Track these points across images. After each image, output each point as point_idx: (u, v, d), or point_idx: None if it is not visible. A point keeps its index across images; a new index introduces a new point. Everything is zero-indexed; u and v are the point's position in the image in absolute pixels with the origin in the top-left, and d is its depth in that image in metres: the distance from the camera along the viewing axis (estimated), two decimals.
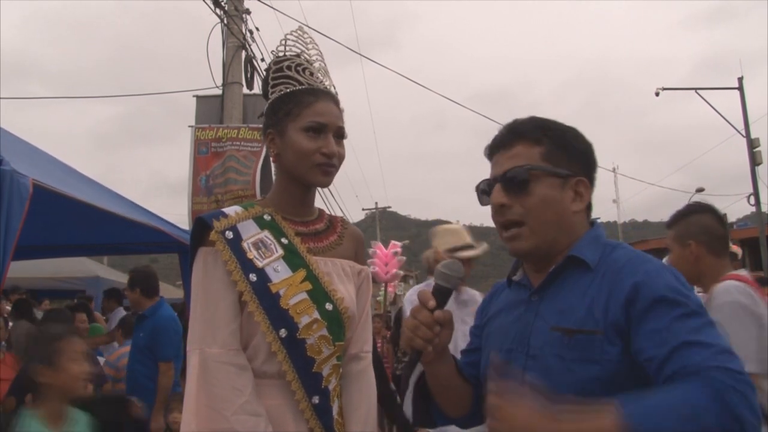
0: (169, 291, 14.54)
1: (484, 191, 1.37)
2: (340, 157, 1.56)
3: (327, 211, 1.73)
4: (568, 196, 1.29)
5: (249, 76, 7.54)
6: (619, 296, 1.16)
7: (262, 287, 1.47)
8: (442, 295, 1.30)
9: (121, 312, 7.10)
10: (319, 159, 1.52)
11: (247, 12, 7.59)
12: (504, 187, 1.30)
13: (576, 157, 1.32)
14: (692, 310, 1.10)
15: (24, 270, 8.09)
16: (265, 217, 1.57)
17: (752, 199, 17.64)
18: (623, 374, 1.13)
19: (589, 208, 1.35)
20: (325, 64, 1.66)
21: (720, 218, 2.48)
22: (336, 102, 1.60)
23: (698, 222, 2.43)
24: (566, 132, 1.33)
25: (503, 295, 1.46)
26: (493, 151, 1.37)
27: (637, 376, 1.12)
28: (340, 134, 1.57)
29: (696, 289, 2.39)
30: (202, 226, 1.52)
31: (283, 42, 1.64)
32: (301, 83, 1.58)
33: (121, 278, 11.80)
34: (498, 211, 1.31)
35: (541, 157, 1.29)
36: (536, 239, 1.29)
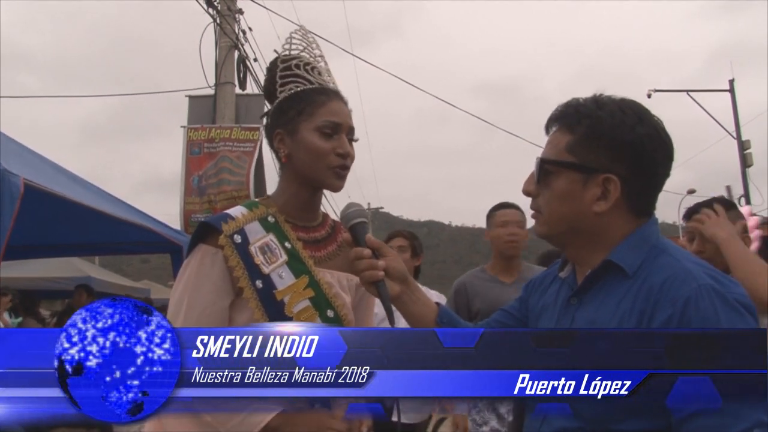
0: (161, 291, 14.50)
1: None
2: (352, 159, 1.53)
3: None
4: (591, 193, 1.17)
5: (242, 76, 7.54)
6: (651, 321, 1.08)
7: (268, 294, 1.44)
8: (356, 233, 1.39)
9: None
10: (334, 161, 1.48)
11: (240, 12, 7.59)
12: (535, 174, 1.25)
13: (613, 149, 1.16)
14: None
15: (14, 270, 8.05)
16: (269, 219, 1.53)
17: (743, 201, 17.78)
18: None
19: (641, 208, 1.20)
20: (328, 66, 1.63)
21: (731, 207, 2.43)
22: (345, 102, 1.57)
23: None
24: (608, 119, 1.17)
25: (552, 289, 1.39)
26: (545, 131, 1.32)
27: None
28: (351, 135, 1.54)
29: None
30: (207, 229, 1.46)
31: (289, 40, 1.60)
32: (311, 82, 1.54)
33: (112, 278, 11.75)
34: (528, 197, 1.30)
35: (566, 148, 1.20)
36: (549, 229, 1.25)
